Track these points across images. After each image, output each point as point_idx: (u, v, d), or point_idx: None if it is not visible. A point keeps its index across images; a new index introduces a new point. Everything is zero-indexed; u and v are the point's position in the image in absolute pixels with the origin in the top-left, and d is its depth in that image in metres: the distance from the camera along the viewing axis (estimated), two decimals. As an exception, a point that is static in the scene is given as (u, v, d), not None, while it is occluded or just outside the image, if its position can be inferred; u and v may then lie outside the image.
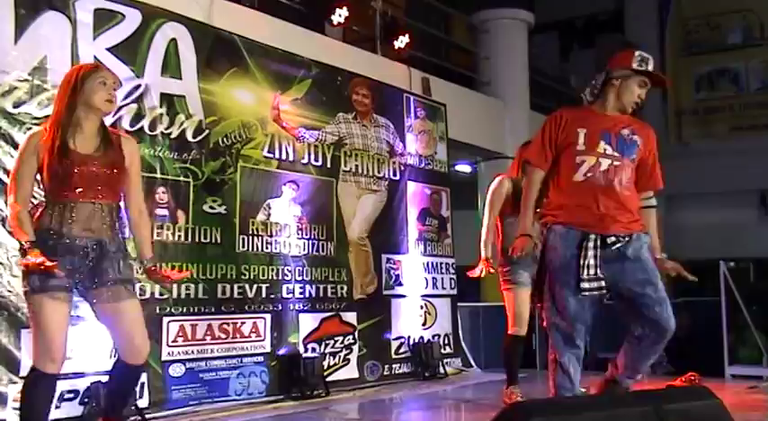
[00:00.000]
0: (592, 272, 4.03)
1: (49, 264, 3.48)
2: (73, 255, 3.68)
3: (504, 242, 5.90)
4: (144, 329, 3.89)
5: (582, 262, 4.03)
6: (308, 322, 6.91)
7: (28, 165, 3.74)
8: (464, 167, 12.21)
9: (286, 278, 6.75)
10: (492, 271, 5.87)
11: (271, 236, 6.68)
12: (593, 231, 4.07)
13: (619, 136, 4.20)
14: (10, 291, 4.92)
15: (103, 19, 5.66)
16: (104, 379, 5.09)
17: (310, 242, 7.03)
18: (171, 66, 6.08)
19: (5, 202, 4.93)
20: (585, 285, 4.02)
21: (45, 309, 3.61)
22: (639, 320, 4.10)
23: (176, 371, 5.81)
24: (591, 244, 4.05)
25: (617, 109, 4.26)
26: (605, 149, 4.16)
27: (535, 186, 4.34)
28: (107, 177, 3.77)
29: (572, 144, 4.18)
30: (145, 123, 5.83)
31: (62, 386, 5.06)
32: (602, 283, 4.03)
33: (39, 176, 3.77)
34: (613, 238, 4.08)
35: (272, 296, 6.61)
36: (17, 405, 4.79)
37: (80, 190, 3.68)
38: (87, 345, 5.23)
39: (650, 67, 4.23)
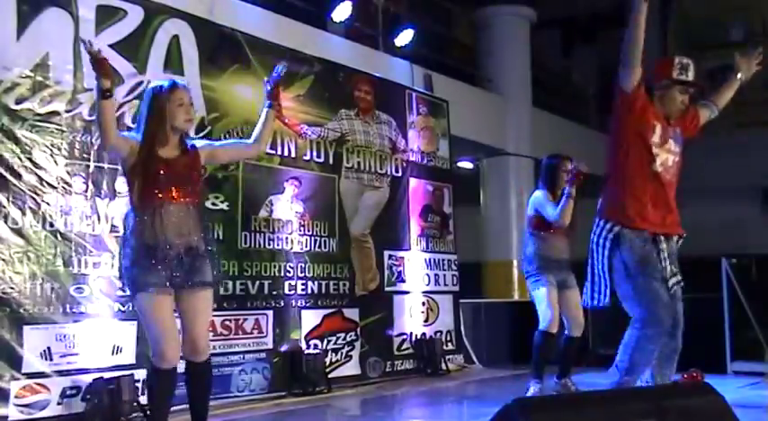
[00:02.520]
0: (668, 269, 4.17)
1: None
2: (167, 260, 3.85)
3: (534, 250, 5.98)
4: (206, 330, 4.07)
5: (661, 262, 4.17)
6: (311, 319, 6.92)
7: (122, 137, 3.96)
8: (466, 164, 12.20)
9: (288, 274, 6.76)
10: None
11: (273, 232, 6.68)
12: (660, 232, 4.21)
13: (676, 132, 4.35)
14: (12, 288, 4.92)
15: (106, 15, 5.66)
16: (106, 375, 5.12)
17: (312, 238, 7.04)
18: (173, 62, 6.08)
19: (7, 199, 4.96)
20: (671, 281, 4.16)
21: (152, 308, 3.82)
22: None
23: (179, 367, 5.80)
24: (663, 245, 4.20)
25: (663, 114, 4.34)
26: (672, 146, 4.30)
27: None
28: (189, 177, 4.00)
29: (648, 134, 4.24)
30: (147, 120, 5.82)
31: (64, 383, 5.08)
32: (679, 277, 4.22)
33: (127, 182, 4.01)
34: (675, 237, 4.29)
35: (275, 293, 6.62)
36: (19, 401, 4.83)
37: (167, 190, 3.89)
38: (90, 343, 5.25)
39: (690, 75, 4.32)
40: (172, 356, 3.87)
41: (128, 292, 4.04)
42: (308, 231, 7.01)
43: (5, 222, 4.94)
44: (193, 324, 3.94)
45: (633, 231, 4.20)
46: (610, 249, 4.23)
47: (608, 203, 4.35)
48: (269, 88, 4.30)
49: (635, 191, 4.25)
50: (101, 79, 3.68)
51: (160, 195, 3.86)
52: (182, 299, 3.92)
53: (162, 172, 3.88)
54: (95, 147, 5.45)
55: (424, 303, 8.18)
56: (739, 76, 4.56)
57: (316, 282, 7.00)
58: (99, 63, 3.65)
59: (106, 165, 5.49)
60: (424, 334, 7.99)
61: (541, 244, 5.97)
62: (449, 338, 8.37)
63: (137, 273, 3.81)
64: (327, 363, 6.87)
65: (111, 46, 5.63)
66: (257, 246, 6.54)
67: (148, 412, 4.11)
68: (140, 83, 5.78)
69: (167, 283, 3.84)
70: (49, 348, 5.06)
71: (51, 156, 5.23)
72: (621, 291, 4.25)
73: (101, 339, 5.30)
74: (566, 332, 6.05)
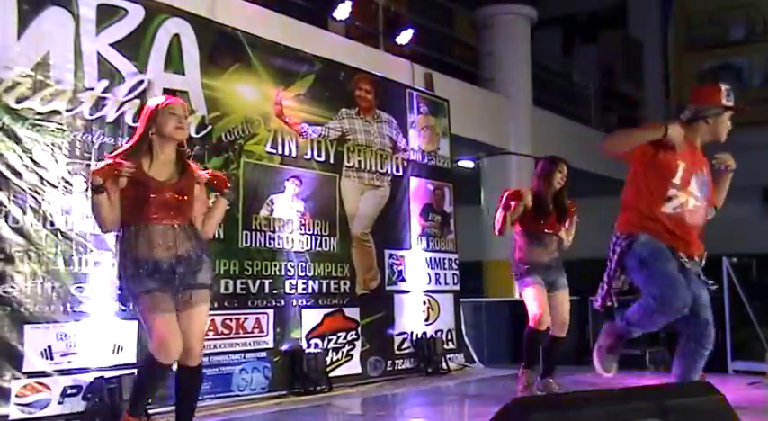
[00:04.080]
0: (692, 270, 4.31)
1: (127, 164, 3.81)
2: (160, 273, 3.88)
3: (520, 253, 5.97)
4: (202, 334, 4.12)
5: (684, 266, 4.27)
6: (311, 318, 6.92)
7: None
8: (467, 163, 12.20)
9: (289, 274, 6.76)
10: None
11: (274, 231, 6.68)
12: (680, 252, 4.29)
13: (703, 177, 4.37)
14: (13, 287, 4.92)
15: (106, 14, 5.65)
16: (107, 374, 5.12)
17: (313, 238, 7.04)
18: (174, 61, 6.08)
19: (8, 198, 4.96)
20: (687, 264, 4.28)
21: (148, 309, 3.86)
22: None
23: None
24: (685, 259, 4.30)
25: (707, 140, 4.39)
26: (694, 190, 4.32)
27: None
28: (180, 203, 4.01)
29: (669, 174, 4.26)
30: (148, 119, 5.82)
31: (65, 382, 5.08)
32: (699, 269, 4.37)
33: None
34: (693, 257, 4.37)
35: (275, 292, 6.62)
36: (20, 400, 4.83)
37: (155, 215, 3.92)
38: (90, 342, 5.25)
39: (733, 100, 4.35)
40: (175, 351, 3.88)
41: (128, 300, 4.12)
42: (309, 230, 7.01)
43: (6, 221, 4.94)
44: (189, 328, 3.96)
45: (650, 236, 4.26)
46: (621, 251, 4.30)
47: (623, 218, 4.42)
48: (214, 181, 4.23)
49: (650, 216, 4.30)
50: (92, 175, 3.81)
51: (149, 216, 3.91)
52: (177, 303, 3.94)
53: (153, 195, 3.92)
54: (96, 147, 5.46)
55: (424, 302, 8.18)
56: (730, 168, 4.53)
57: (316, 281, 7.01)
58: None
59: (107, 165, 5.49)
60: (424, 333, 7.99)
61: (529, 245, 5.96)
62: (449, 337, 8.37)
63: (134, 281, 3.87)
64: (328, 362, 6.87)
65: (111, 45, 5.64)
66: (258, 245, 6.54)
67: (131, 401, 4.09)
68: (141, 82, 5.79)
69: (165, 287, 3.89)
70: (49, 347, 5.06)
71: (52, 155, 5.23)
72: (639, 283, 4.33)
73: (101, 338, 5.30)
74: (550, 332, 6.04)
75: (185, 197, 4.03)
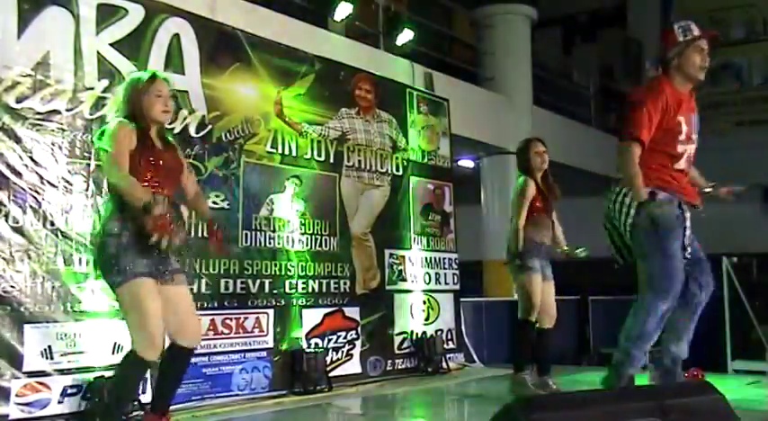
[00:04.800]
0: (688, 236, 4.43)
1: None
2: (155, 249, 3.89)
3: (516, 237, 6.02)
4: (195, 314, 4.22)
5: (684, 231, 4.40)
6: (311, 317, 6.92)
7: (126, 147, 3.96)
8: (467, 163, 12.20)
9: (289, 273, 6.76)
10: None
11: (274, 231, 6.68)
12: (684, 199, 4.46)
13: (695, 116, 4.52)
14: (13, 287, 4.92)
15: (106, 14, 5.65)
16: (107, 374, 5.12)
17: (313, 237, 7.04)
18: (174, 61, 6.07)
19: (8, 198, 4.95)
20: (688, 248, 4.41)
21: (142, 295, 3.85)
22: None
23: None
24: (687, 214, 4.44)
25: (687, 82, 4.49)
26: (693, 136, 4.49)
27: (637, 161, 4.40)
28: (176, 170, 4.13)
29: (675, 132, 4.41)
30: (148, 118, 5.82)
31: (65, 381, 5.08)
32: (692, 237, 4.48)
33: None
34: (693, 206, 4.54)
35: (275, 291, 6.62)
36: (20, 400, 4.83)
37: (157, 181, 3.96)
38: (90, 341, 5.24)
39: (696, 31, 4.47)
40: (160, 345, 3.90)
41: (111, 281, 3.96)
42: (309, 230, 7.01)
43: (6, 221, 4.94)
44: (184, 309, 4.04)
45: (665, 192, 4.37)
46: (639, 205, 4.34)
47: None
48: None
49: (661, 168, 4.43)
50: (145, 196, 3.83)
51: (153, 185, 3.94)
52: (164, 289, 3.98)
53: (161, 162, 4.01)
54: (96, 146, 5.45)
55: (424, 302, 8.18)
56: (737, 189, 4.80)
57: (316, 281, 7.00)
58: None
59: (107, 164, 5.49)
60: (424, 332, 7.99)
61: (528, 228, 6.00)
62: (449, 337, 8.37)
63: (128, 260, 3.83)
64: (328, 362, 6.86)
65: (111, 45, 5.64)
66: (258, 244, 6.54)
67: (115, 402, 4.10)
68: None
69: (154, 272, 3.91)
70: (49, 347, 5.05)
71: (52, 154, 5.22)
72: (642, 247, 4.40)
73: (101, 338, 5.30)
74: (537, 324, 6.07)
75: (181, 165, 4.16)
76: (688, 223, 4.42)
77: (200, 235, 6.04)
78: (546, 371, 6.07)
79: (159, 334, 3.88)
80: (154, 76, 4.11)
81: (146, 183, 3.91)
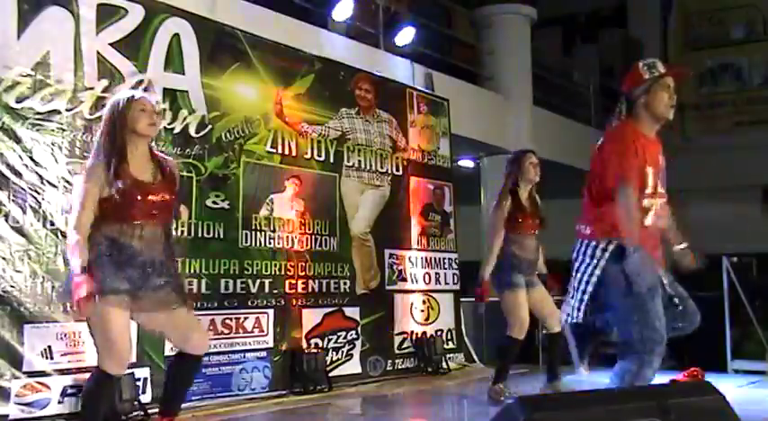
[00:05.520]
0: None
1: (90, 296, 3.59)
2: (133, 267, 3.78)
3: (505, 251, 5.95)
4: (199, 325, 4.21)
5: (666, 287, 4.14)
6: (311, 317, 6.92)
7: (92, 194, 3.78)
8: (467, 163, 12.19)
9: (289, 273, 6.76)
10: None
11: (274, 231, 6.68)
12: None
13: (662, 169, 4.22)
14: (13, 287, 4.92)
15: (106, 14, 5.65)
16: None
17: (313, 237, 7.04)
18: (174, 61, 6.08)
19: (8, 197, 4.96)
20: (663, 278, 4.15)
21: (109, 315, 3.72)
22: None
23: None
24: (665, 280, 4.15)
25: (655, 122, 4.21)
26: (661, 190, 4.19)
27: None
28: (164, 204, 3.93)
29: (642, 185, 4.09)
30: (148, 118, 5.82)
31: (65, 381, 5.08)
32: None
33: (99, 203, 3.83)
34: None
35: (275, 291, 6.62)
36: (20, 400, 4.83)
37: (142, 215, 3.83)
38: (90, 341, 5.22)
39: (661, 68, 4.20)
40: (127, 361, 3.95)
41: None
42: (309, 230, 7.01)
43: (6, 221, 4.94)
44: (175, 322, 3.97)
45: (641, 249, 4.06)
46: (606, 263, 4.08)
47: (601, 223, 4.16)
48: None
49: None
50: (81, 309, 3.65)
51: (134, 220, 3.81)
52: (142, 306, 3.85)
53: (139, 198, 3.81)
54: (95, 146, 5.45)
55: (424, 302, 8.18)
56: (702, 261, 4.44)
57: (316, 281, 7.00)
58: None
59: (107, 164, 5.49)
60: (424, 332, 7.99)
61: (509, 245, 5.91)
62: (449, 337, 8.37)
63: (100, 277, 3.69)
64: (328, 362, 6.86)
65: (111, 44, 5.64)
66: (258, 244, 6.54)
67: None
68: (141, 81, 5.77)
69: (129, 293, 3.77)
70: (49, 347, 5.06)
71: (52, 154, 5.22)
72: (618, 308, 4.13)
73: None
74: (544, 331, 6.03)
75: (171, 197, 3.98)
76: (666, 281, 4.18)
77: (200, 235, 6.05)
78: (556, 376, 6.00)
79: (127, 350, 3.90)
80: (133, 96, 3.95)
81: (128, 215, 3.79)
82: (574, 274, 4.25)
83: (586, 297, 4.15)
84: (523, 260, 5.92)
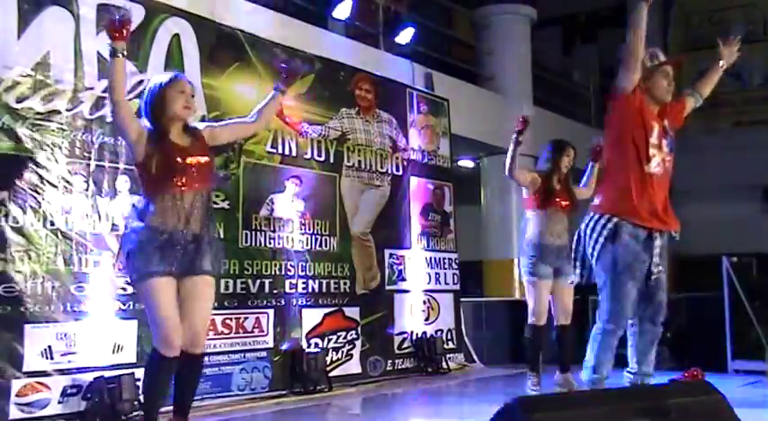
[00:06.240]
0: (654, 262, 4.43)
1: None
2: (173, 246, 3.92)
3: (532, 234, 6.06)
4: (206, 320, 4.16)
5: (652, 258, 4.41)
6: (311, 317, 6.92)
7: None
8: (467, 163, 12.19)
9: (289, 273, 6.76)
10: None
11: (274, 231, 6.68)
12: (657, 227, 4.43)
13: (669, 133, 4.55)
14: (13, 287, 4.92)
15: (106, 14, 5.64)
16: (107, 374, 5.12)
17: (313, 237, 7.04)
18: (174, 61, 6.07)
19: (8, 197, 4.95)
20: (654, 272, 4.43)
21: (156, 294, 3.88)
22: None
23: (179, 366, 5.80)
24: (657, 242, 4.43)
25: (655, 105, 4.57)
26: (665, 147, 4.51)
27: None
28: (204, 164, 4.08)
29: (647, 132, 4.45)
30: (148, 118, 5.82)
31: (65, 381, 5.08)
32: (662, 267, 4.47)
33: (141, 169, 4.05)
34: (668, 233, 4.54)
35: (276, 291, 6.62)
36: (20, 400, 4.83)
37: (183, 178, 3.96)
38: (90, 341, 5.24)
39: (662, 57, 4.61)
40: (177, 343, 3.92)
41: (129, 279, 4.13)
42: (309, 230, 7.01)
43: (6, 221, 4.94)
44: (193, 312, 4.01)
45: (631, 225, 4.39)
46: (604, 240, 4.41)
47: (604, 198, 4.56)
48: (284, 76, 4.45)
49: (631, 189, 4.41)
50: (114, 41, 3.91)
51: (178, 183, 3.95)
52: (183, 287, 3.99)
53: (179, 159, 3.96)
54: (96, 146, 5.46)
55: (424, 302, 8.19)
56: (721, 63, 4.90)
57: (316, 281, 7.01)
58: (123, 24, 3.91)
59: (107, 164, 5.50)
60: (424, 332, 7.99)
61: (538, 226, 6.01)
62: (449, 337, 8.37)
63: (143, 258, 3.87)
64: (328, 362, 6.87)
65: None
66: (258, 244, 6.54)
67: (142, 404, 4.11)
68: (141, 81, 5.77)
69: (171, 270, 3.92)
70: (49, 347, 5.05)
71: (52, 154, 5.22)
72: (600, 282, 4.48)
73: (101, 338, 5.30)
74: (554, 322, 6.08)
75: (208, 158, 4.12)
76: (657, 251, 4.42)
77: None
78: (567, 368, 6.06)
79: (175, 330, 3.91)
80: (176, 76, 4.19)
81: (175, 179, 3.94)
82: (577, 240, 4.62)
83: (586, 265, 4.58)
84: (550, 247, 5.95)
